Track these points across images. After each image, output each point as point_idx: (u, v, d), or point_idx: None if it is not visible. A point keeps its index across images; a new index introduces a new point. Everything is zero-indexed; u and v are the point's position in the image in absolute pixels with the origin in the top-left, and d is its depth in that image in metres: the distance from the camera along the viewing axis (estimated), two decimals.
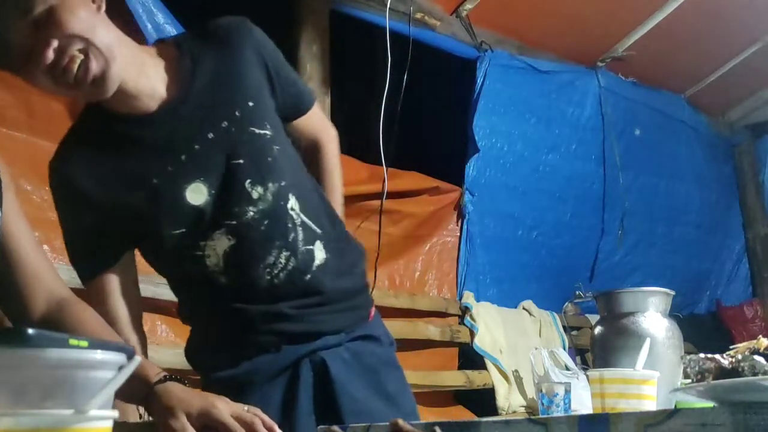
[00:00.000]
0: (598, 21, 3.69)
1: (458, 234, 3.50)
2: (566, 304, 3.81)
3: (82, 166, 1.30)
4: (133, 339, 1.34)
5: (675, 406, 1.33)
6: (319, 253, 1.38)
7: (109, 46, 1.19)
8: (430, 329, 3.20)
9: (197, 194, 1.29)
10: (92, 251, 1.34)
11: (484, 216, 3.58)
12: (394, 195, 3.12)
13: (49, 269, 1.20)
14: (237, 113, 1.32)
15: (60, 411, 0.64)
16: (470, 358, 3.32)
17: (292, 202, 1.35)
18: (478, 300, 3.45)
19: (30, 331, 0.65)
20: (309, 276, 1.35)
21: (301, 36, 2.87)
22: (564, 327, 3.69)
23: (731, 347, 1.14)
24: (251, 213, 1.31)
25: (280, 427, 1.09)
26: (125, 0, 2.16)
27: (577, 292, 3.75)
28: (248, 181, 1.31)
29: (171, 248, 1.31)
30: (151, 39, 2.20)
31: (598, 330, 2.00)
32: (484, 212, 3.57)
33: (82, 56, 1.17)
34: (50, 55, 1.14)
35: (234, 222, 1.31)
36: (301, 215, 1.36)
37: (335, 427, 1.03)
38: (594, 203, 4.02)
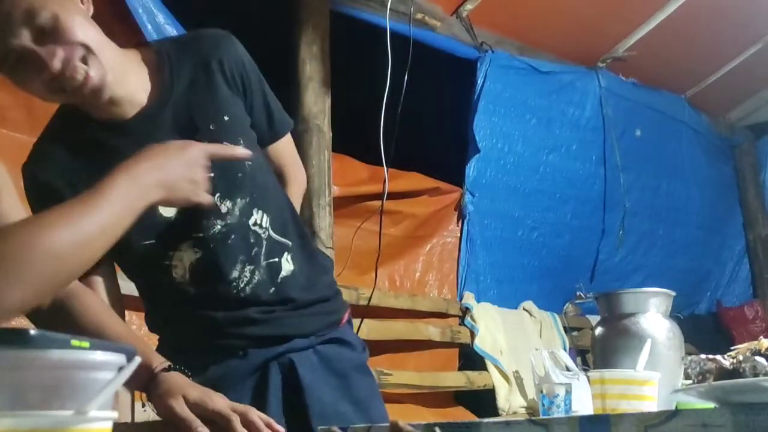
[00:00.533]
0: (598, 21, 3.69)
1: (459, 235, 3.50)
2: (567, 304, 3.81)
3: (55, 169, 1.30)
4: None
5: (676, 407, 1.32)
6: (287, 265, 1.39)
7: (106, 54, 1.21)
8: (431, 330, 3.20)
9: (169, 207, 1.29)
10: None
11: (485, 216, 3.58)
12: (394, 195, 3.12)
13: None
14: (211, 127, 1.32)
15: (60, 412, 0.64)
16: (471, 359, 3.33)
17: (257, 217, 1.36)
18: (478, 301, 3.45)
19: (31, 331, 0.65)
20: (273, 288, 1.37)
21: (302, 36, 2.87)
22: (564, 328, 3.69)
23: (732, 348, 1.14)
24: (219, 227, 1.32)
25: None
26: (125, 0, 2.17)
27: (578, 293, 3.76)
28: (217, 195, 1.31)
29: (140, 258, 1.32)
30: (151, 38, 2.20)
31: (598, 331, 2.00)
32: (485, 213, 3.57)
33: (85, 66, 1.18)
34: (57, 64, 1.16)
35: (201, 234, 1.32)
36: (269, 230, 1.37)
37: (335, 428, 1.03)
38: (594, 204, 4.03)
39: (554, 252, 3.86)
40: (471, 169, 3.50)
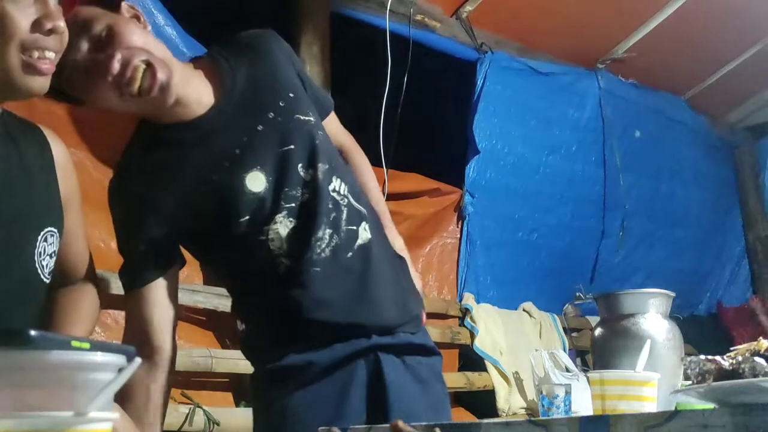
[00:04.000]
0: (598, 23, 3.69)
1: (458, 235, 3.49)
2: (566, 305, 3.81)
3: (142, 179, 1.37)
4: (168, 347, 1.39)
5: (675, 407, 1.33)
6: (364, 233, 1.45)
7: (167, 57, 1.30)
8: (431, 331, 3.19)
9: (257, 182, 1.36)
10: (147, 261, 1.38)
11: (485, 217, 3.57)
12: (394, 196, 3.12)
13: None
14: (281, 103, 1.41)
15: (60, 413, 0.64)
16: (470, 360, 3.32)
17: (336, 184, 1.43)
18: (478, 302, 3.45)
19: (32, 332, 0.65)
20: (350, 254, 1.41)
21: (302, 38, 2.87)
22: (564, 328, 3.68)
23: (731, 349, 1.14)
24: (305, 195, 1.39)
25: (331, 422, 1.10)
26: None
27: (578, 294, 3.75)
28: (300, 164, 1.39)
29: (238, 237, 1.37)
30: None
31: (598, 331, 2.00)
32: (485, 214, 3.57)
33: (145, 66, 1.26)
34: (116, 65, 1.23)
35: (292, 204, 1.38)
36: (348, 196, 1.44)
37: (335, 429, 1.03)
38: (594, 205, 4.02)
39: (554, 253, 3.86)
40: (471, 170, 3.50)
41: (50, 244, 1.20)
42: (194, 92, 1.36)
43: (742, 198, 4.86)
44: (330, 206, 1.40)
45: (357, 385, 1.39)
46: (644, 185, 4.24)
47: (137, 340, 1.36)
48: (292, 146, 1.38)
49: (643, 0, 3.66)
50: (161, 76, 1.27)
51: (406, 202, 3.35)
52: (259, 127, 1.38)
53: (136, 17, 1.34)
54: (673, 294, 1.99)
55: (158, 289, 1.39)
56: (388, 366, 1.41)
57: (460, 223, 3.51)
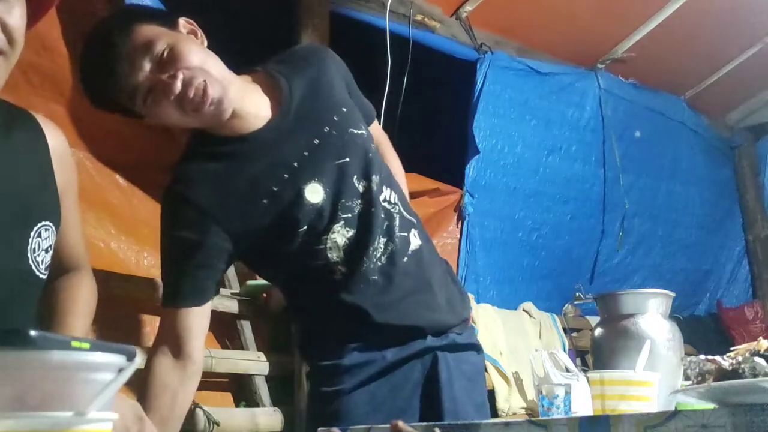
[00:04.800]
0: (598, 23, 3.69)
1: (458, 236, 3.49)
2: (566, 305, 3.81)
3: (203, 190, 1.39)
4: (200, 358, 1.43)
5: (675, 407, 1.32)
6: (415, 240, 1.52)
7: (223, 74, 1.35)
8: None
9: (315, 193, 1.41)
10: (202, 279, 1.40)
11: (484, 218, 3.57)
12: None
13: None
14: (335, 118, 1.47)
15: (60, 413, 0.64)
16: None
17: (386, 194, 1.49)
18: (478, 302, 3.45)
19: (32, 333, 0.65)
20: (406, 258, 1.48)
21: (302, 38, 2.86)
22: (564, 329, 3.68)
23: (731, 349, 1.14)
24: (360, 205, 1.45)
25: (386, 420, 1.12)
26: (125, 1, 2.17)
27: (578, 294, 3.75)
28: (354, 176, 1.45)
29: (296, 246, 1.42)
30: None
31: (598, 332, 2.00)
32: (485, 214, 3.57)
33: (204, 84, 1.31)
34: (178, 85, 1.29)
35: (348, 215, 1.44)
36: (398, 204, 1.51)
37: (335, 429, 1.03)
38: (594, 205, 4.02)
39: (554, 253, 3.86)
40: (470, 170, 3.50)
41: (45, 239, 1.18)
42: (252, 106, 1.41)
43: (742, 198, 4.86)
44: (383, 216, 1.46)
45: (413, 385, 1.46)
46: (644, 185, 4.24)
47: (172, 347, 1.38)
48: (347, 159, 1.44)
49: (643, 0, 3.66)
50: (214, 92, 1.32)
51: None
52: (316, 141, 1.43)
53: (194, 32, 1.39)
54: (673, 294, 1.99)
55: (201, 308, 1.41)
56: (443, 366, 1.48)
57: (460, 223, 3.51)
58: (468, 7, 3.41)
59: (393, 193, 1.51)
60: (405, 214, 1.52)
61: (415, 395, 1.46)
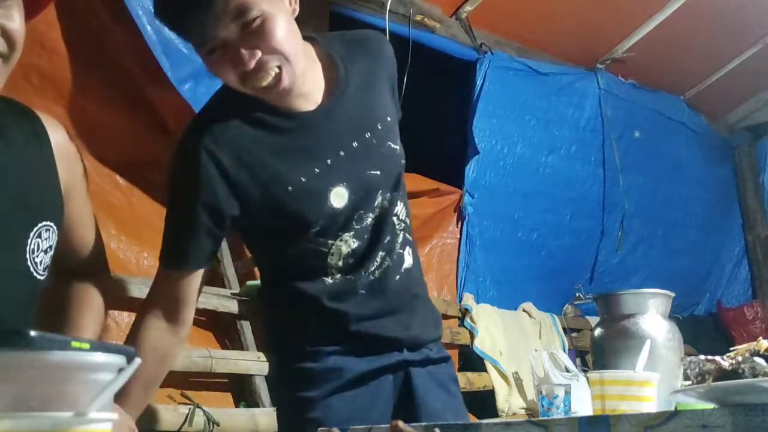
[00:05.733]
0: (597, 23, 3.69)
1: (458, 236, 3.49)
2: (566, 305, 3.81)
3: (231, 150, 1.32)
4: (191, 321, 1.40)
5: (675, 407, 1.32)
6: (408, 258, 1.48)
7: (299, 56, 1.30)
8: None
9: (340, 198, 1.38)
10: (204, 243, 1.35)
11: (484, 218, 3.58)
12: None
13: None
14: (379, 126, 1.44)
15: (60, 413, 0.64)
16: (470, 360, 3.32)
17: (398, 208, 1.46)
18: (478, 302, 3.45)
19: (32, 333, 0.65)
20: (398, 276, 1.45)
21: None
22: (564, 329, 3.68)
23: (731, 349, 1.14)
24: (373, 219, 1.42)
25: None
26: (125, 1, 2.16)
27: (577, 294, 3.75)
28: (380, 191, 1.42)
29: (301, 243, 1.39)
30: (151, 40, 2.20)
31: (598, 332, 2.00)
32: (484, 214, 3.57)
33: (277, 70, 1.27)
34: (252, 64, 1.25)
35: (360, 226, 1.41)
36: (405, 221, 1.48)
37: (335, 429, 1.03)
38: (594, 205, 4.02)
39: (553, 253, 3.86)
40: (470, 171, 3.50)
41: (45, 239, 1.16)
42: (309, 87, 1.37)
43: (741, 198, 4.87)
44: (389, 230, 1.44)
45: (386, 398, 1.44)
46: (644, 185, 4.25)
47: (167, 311, 1.35)
48: (379, 172, 1.41)
49: (643, 0, 3.66)
50: (286, 82, 1.28)
51: None
52: (355, 144, 1.40)
53: None
54: (672, 294, 1.99)
55: (201, 272, 1.38)
56: (418, 382, 1.46)
57: (459, 223, 3.51)
58: (468, 8, 3.41)
59: (404, 209, 1.48)
60: (407, 234, 1.49)
61: (388, 409, 1.43)
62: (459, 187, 3.49)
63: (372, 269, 1.42)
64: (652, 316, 1.91)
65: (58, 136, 1.25)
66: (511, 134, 3.65)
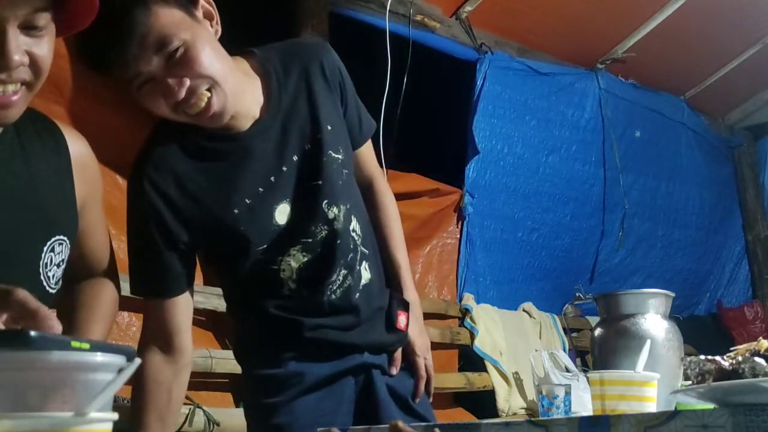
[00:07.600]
0: (598, 23, 3.69)
1: (458, 236, 3.50)
2: (566, 305, 3.81)
3: (175, 181, 1.34)
4: (189, 348, 1.40)
5: (675, 407, 1.32)
6: (365, 273, 1.47)
7: (227, 78, 1.29)
8: (430, 331, 3.19)
9: (283, 215, 1.37)
10: (174, 270, 1.36)
11: (484, 218, 3.58)
12: (394, 197, 3.11)
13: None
14: (318, 136, 1.40)
15: (59, 413, 0.64)
16: (470, 360, 3.32)
17: (354, 224, 1.44)
18: (478, 302, 3.45)
19: (32, 333, 0.65)
20: (357, 294, 1.44)
21: (301, 38, 2.87)
22: (564, 329, 3.69)
23: (731, 349, 1.14)
24: (325, 232, 1.40)
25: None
26: None
27: (577, 294, 3.75)
28: (325, 201, 1.39)
29: (250, 262, 1.38)
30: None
31: (598, 332, 2.00)
32: (484, 214, 3.57)
33: (208, 94, 1.26)
34: (182, 93, 1.24)
35: (310, 240, 1.39)
36: (362, 236, 1.46)
37: (335, 429, 1.03)
38: (594, 205, 4.03)
39: (554, 253, 3.86)
40: (470, 171, 3.50)
41: (58, 253, 1.17)
42: (246, 104, 1.36)
43: (741, 198, 4.87)
44: (351, 246, 1.42)
45: (347, 400, 1.43)
46: (644, 185, 4.25)
47: (161, 342, 1.37)
48: (320, 182, 1.39)
49: (643, 0, 3.66)
50: (216, 107, 1.28)
51: (406, 202, 3.34)
52: (294, 158, 1.39)
53: (210, 15, 1.31)
54: (672, 294, 1.99)
55: (184, 295, 1.39)
56: (380, 386, 1.46)
57: (459, 223, 3.51)
58: (468, 8, 3.41)
59: (359, 225, 1.46)
60: (362, 247, 1.46)
61: (349, 412, 1.43)
62: (459, 187, 3.49)
63: (333, 288, 1.40)
64: (652, 316, 1.91)
65: (76, 147, 1.25)
66: (511, 134, 3.65)
